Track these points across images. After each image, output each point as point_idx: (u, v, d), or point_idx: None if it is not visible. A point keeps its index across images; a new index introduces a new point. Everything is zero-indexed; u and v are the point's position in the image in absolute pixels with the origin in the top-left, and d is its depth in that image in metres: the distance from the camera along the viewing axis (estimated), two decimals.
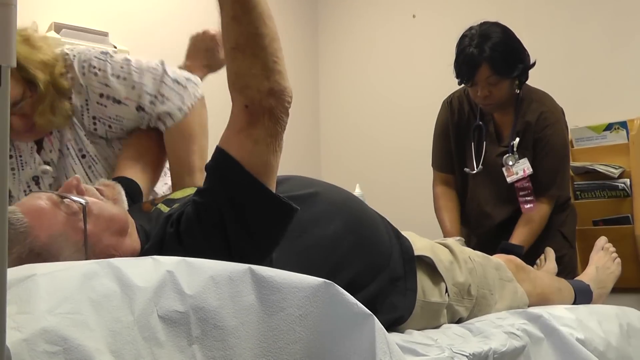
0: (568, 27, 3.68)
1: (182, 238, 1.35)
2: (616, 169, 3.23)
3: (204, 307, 1.05)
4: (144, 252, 1.41)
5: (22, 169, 1.98)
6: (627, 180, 3.21)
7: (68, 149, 1.96)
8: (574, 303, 2.23)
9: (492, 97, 2.75)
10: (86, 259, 1.32)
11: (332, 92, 4.81)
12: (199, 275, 1.09)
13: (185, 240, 1.34)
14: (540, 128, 2.78)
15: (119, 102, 1.91)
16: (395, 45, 4.49)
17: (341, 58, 4.77)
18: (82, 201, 1.36)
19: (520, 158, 2.78)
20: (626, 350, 1.97)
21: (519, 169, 2.78)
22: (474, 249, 2.10)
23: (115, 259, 1.16)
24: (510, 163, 2.79)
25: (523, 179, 2.77)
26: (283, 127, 1.34)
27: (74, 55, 1.93)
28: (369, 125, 4.57)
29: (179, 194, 1.67)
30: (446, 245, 1.91)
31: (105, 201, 1.44)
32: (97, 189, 1.47)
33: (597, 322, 1.94)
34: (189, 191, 1.63)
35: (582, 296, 2.30)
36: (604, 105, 3.47)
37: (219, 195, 1.32)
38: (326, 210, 1.61)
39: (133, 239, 1.44)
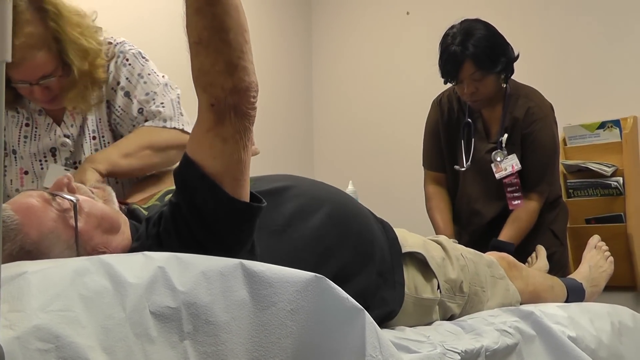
0: (562, 26, 3.69)
1: (161, 238, 1.35)
2: (609, 167, 3.23)
3: (196, 303, 1.06)
4: (130, 250, 1.41)
5: (35, 139, 2.01)
6: (620, 179, 3.22)
7: (87, 127, 2.01)
8: (566, 301, 2.24)
9: (479, 93, 2.75)
10: (77, 257, 1.32)
11: (325, 89, 4.81)
12: (190, 270, 1.09)
13: (164, 241, 1.34)
14: (528, 123, 2.79)
15: (128, 95, 2.01)
16: (388, 42, 4.49)
17: (335, 55, 4.77)
18: (73, 199, 1.36)
19: (508, 154, 2.79)
20: (618, 348, 1.98)
21: (507, 165, 2.78)
22: (466, 246, 2.10)
23: (107, 255, 1.17)
24: (499, 159, 2.80)
25: (511, 174, 2.77)
26: (251, 122, 1.31)
27: (117, 44, 2.04)
28: (362, 123, 4.57)
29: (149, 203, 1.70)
30: (438, 242, 1.91)
31: (96, 200, 1.45)
32: (88, 189, 1.47)
33: (589, 320, 1.94)
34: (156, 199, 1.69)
35: (575, 294, 2.30)
36: (597, 103, 3.48)
37: (182, 198, 1.32)
38: (309, 203, 1.61)
39: (125, 237, 1.45)
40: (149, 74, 2.03)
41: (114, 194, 1.54)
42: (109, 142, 2.02)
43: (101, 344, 0.95)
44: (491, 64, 2.70)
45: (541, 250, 2.70)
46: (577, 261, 2.66)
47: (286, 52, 4.72)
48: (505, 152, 2.79)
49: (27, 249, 1.28)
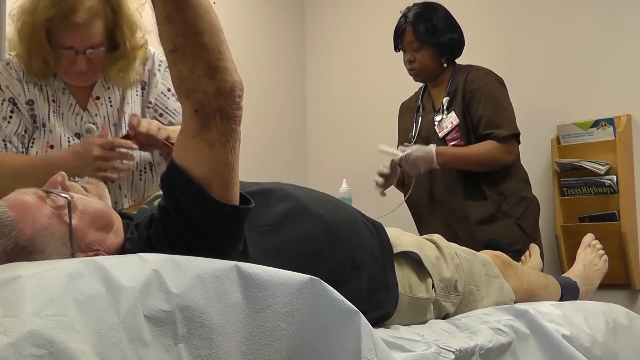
0: (556, 24, 3.68)
1: (152, 241, 1.36)
2: (603, 165, 3.23)
3: (190, 306, 1.05)
4: (124, 250, 1.41)
5: (60, 118, 2.06)
6: (614, 177, 3.22)
7: (124, 120, 2.09)
8: (561, 299, 2.24)
9: (416, 63, 2.99)
10: (72, 254, 1.33)
11: (319, 89, 4.80)
12: (185, 273, 1.09)
13: (155, 244, 1.34)
14: (470, 83, 2.93)
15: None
16: (382, 41, 4.48)
17: (328, 54, 4.76)
18: (68, 196, 1.37)
19: (448, 114, 2.95)
20: (612, 346, 1.98)
21: (447, 123, 2.96)
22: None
23: (101, 257, 1.17)
24: (440, 119, 2.97)
25: (452, 130, 2.93)
26: (238, 123, 1.29)
27: (154, 52, 2.15)
28: (356, 122, 4.56)
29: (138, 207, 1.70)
30: (432, 241, 1.92)
31: (90, 197, 1.45)
32: (82, 186, 1.47)
33: (584, 318, 1.95)
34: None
35: (569, 293, 2.30)
36: (590, 102, 3.48)
37: (169, 203, 1.32)
38: (300, 205, 1.62)
39: (118, 235, 1.45)
40: None
41: (106, 190, 1.54)
42: None
43: (95, 349, 0.95)
44: (427, 35, 2.93)
45: (534, 249, 2.71)
46: (571, 260, 2.66)
47: (279, 51, 4.71)
48: (446, 112, 2.96)
49: (22, 245, 1.28)
